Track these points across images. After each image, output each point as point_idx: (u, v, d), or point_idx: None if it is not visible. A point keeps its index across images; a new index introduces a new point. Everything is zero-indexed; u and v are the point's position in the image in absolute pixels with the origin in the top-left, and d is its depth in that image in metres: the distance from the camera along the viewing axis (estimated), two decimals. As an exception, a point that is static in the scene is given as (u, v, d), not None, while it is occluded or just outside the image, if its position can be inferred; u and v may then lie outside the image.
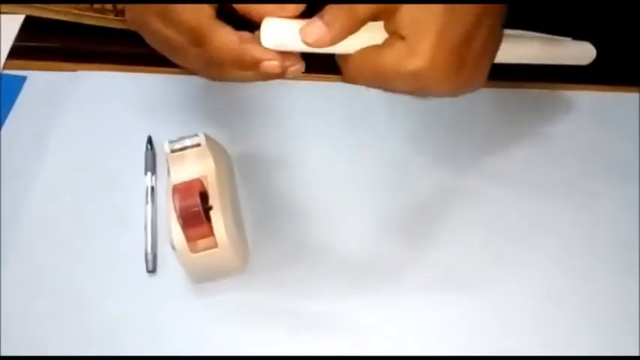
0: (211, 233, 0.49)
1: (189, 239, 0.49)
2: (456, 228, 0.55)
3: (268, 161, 0.58)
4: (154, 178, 0.56)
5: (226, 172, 0.54)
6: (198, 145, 0.51)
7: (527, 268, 0.53)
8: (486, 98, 0.60)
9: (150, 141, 0.58)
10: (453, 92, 0.40)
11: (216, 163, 0.52)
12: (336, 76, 0.59)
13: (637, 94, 0.61)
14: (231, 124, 0.59)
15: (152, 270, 0.53)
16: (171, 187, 0.49)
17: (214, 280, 0.53)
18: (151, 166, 0.57)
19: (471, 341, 0.51)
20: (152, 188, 0.56)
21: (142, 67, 0.61)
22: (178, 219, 0.48)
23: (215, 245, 0.49)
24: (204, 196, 0.49)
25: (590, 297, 0.51)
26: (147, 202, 0.55)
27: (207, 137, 0.52)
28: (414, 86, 0.39)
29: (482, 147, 0.59)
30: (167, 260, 0.53)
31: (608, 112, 0.60)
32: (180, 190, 0.48)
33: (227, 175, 0.54)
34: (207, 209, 0.49)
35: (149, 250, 0.54)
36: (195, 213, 0.48)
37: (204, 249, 0.49)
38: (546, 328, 0.51)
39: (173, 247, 0.50)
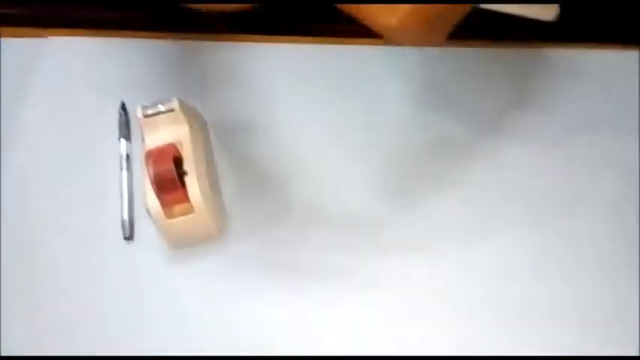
0: (187, 199, 0.49)
1: (165, 205, 0.48)
2: (442, 186, 0.55)
3: (246, 126, 0.57)
4: (128, 144, 0.56)
5: (202, 137, 0.53)
6: (172, 110, 0.50)
7: (520, 227, 0.53)
8: (484, 57, 0.59)
9: (123, 107, 0.57)
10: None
11: (190, 128, 0.51)
12: (311, 38, 0.59)
13: (637, 53, 0.58)
14: (207, 90, 0.58)
15: (129, 237, 0.53)
16: (144, 152, 0.48)
17: (192, 245, 0.53)
18: (125, 132, 0.56)
19: (457, 302, 0.51)
20: (127, 155, 0.55)
21: (114, 32, 0.60)
22: (152, 185, 0.47)
23: (191, 211, 0.49)
24: (178, 162, 0.49)
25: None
26: (121, 169, 0.55)
27: (181, 102, 0.51)
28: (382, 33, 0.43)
29: (477, 105, 0.57)
30: (146, 227, 0.53)
31: (608, 70, 0.58)
32: (154, 156, 0.48)
33: (203, 140, 0.53)
34: (181, 174, 0.48)
35: (125, 217, 0.53)
36: (170, 178, 0.47)
37: (180, 214, 0.49)
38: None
39: (149, 214, 0.49)
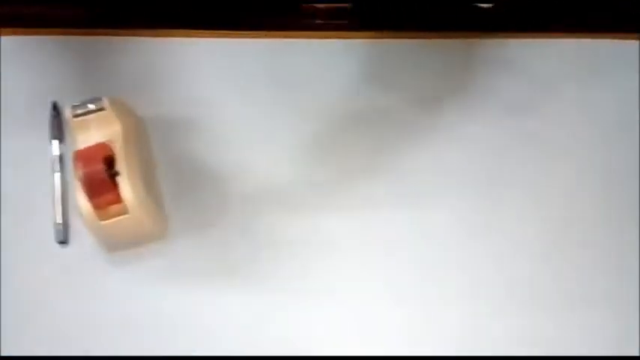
0: (120, 199, 0.47)
1: (96, 207, 0.47)
2: (375, 174, 0.54)
3: (184, 123, 0.56)
4: (62, 145, 0.54)
5: (136, 135, 0.52)
6: (102, 109, 0.49)
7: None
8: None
9: (55, 107, 0.55)
10: None
11: (123, 126, 0.49)
12: (245, 32, 0.58)
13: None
14: (144, 88, 0.57)
15: (63, 241, 0.51)
16: (73, 153, 0.47)
17: (130, 248, 0.51)
18: (56, 133, 0.54)
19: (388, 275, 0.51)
20: (60, 156, 0.53)
21: (44, 30, 0.58)
22: (82, 187, 0.46)
23: (125, 211, 0.48)
24: (110, 161, 0.47)
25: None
26: (54, 171, 0.53)
27: (112, 100, 0.50)
28: None
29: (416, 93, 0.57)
30: (82, 230, 0.51)
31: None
32: (82, 156, 0.46)
33: (137, 138, 0.52)
34: (114, 175, 0.47)
35: (59, 220, 0.51)
36: (100, 179, 0.46)
37: (114, 216, 0.47)
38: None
39: (81, 216, 0.48)
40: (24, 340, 0.49)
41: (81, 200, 0.47)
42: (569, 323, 0.50)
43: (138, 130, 0.53)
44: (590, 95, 0.56)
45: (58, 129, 0.54)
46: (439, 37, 0.58)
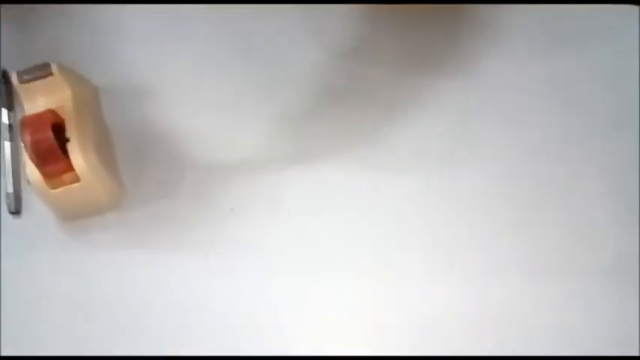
0: (71, 167, 0.46)
1: (47, 176, 0.46)
2: (344, 147, 0.53)
3: (137, 91, 0.54)
4: (11, 114, 0.52)
5: (88, 102, 0.51)
6: (51, 74, 0.48)
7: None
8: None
9: (4, 75, 0.53)
10: None
11: (73, 93, 0.48)
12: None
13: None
14: (96, 55, 0.55)
15: (16, 211, 0.50)
16: (20, 120, 0.46)
17: (85, 217, 0.50)
18: (7, 101, 0.52)
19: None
20: (10, 125, 0.52)
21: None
22: (30, 155, 0.45)
23: (77, 179, 0.47)
24: (60, 128, 0.46)
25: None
26: (3, 140, 0.52)
27: (61, 66, 0.48)
28: None
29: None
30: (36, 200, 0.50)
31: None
32: (30, 123, 0.45)
33: (89, 105, 0.50)
34: (63, 142, 0.46)
35: (10, 190, 0.50)
36: (49, 147, 0.45)
37: (65, 184, 0.47)
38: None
39: (30, 186, 0.47)
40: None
41: (30, 169, 0.46)
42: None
43: (90, 97, 0.52)
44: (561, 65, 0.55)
45: (8, 97, 0.53)
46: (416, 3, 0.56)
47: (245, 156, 0.53)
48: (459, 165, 0.52)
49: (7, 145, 0.51)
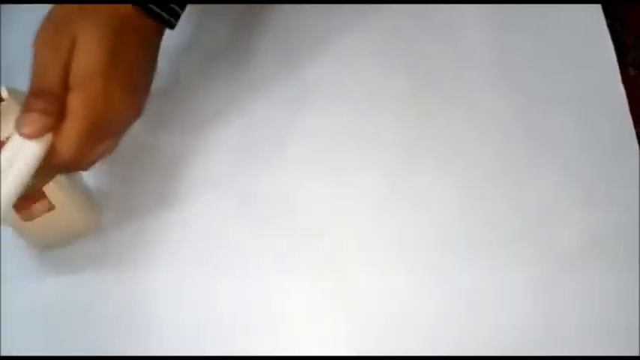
0: (43, 195, 0.43)
1: (18, 209, 0.43)
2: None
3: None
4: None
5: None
6: (2, 100, 0.44)
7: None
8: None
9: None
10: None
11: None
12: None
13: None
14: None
15: None
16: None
17: (67, 243, 0.48)
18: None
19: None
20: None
21: None
22: (-3, 191, 0.42)
23: (52, 207, 0.44)
24: (23, 157, 0.43)
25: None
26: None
27: (11, 90, 0.45)
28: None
29: None
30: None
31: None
32: (-10, 156, 0.41)
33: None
34: (30, 170, 0.43)
35: None
36: (16, 179, 0.41)
37: (39, 214, 0.44)
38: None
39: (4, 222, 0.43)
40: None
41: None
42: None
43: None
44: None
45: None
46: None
47: (220, 155, 0.51)
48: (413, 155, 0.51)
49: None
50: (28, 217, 0.44)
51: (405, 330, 0.46)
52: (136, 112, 0.44)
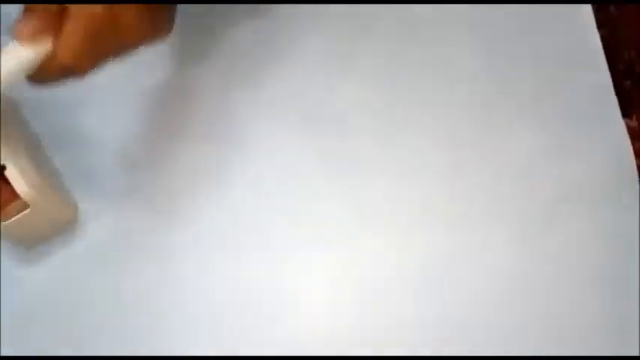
0: (16, 196, 0.43)
1: (-6, 211, 0.43)
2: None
3: (60, 97, 0.50)
4: None
5: (10, 120, 0.46)
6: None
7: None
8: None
9: None
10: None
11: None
12: None
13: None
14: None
15: None
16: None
17: (48, 239, 0.48)
18: None
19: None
20: None
21: None
22: (-32, 194, 0.41)
23: (26, 206, 0.43)
24: (-10, 158, 0.43)
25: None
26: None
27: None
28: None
29: None
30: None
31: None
32: (-44, 162, 0.41)
33: (13, 124, 0.46)
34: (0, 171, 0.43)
35: None
36: (-16, 182, 0.41)
37: (15, 214, 0.43)
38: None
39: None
40: None
41: (-28, 207, 0.42)
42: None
43: (10, 114, 0.48)
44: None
45: None
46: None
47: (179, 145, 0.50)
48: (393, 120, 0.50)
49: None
50: (4, 218, 0.43)
51: (389, 294, 0.47)
52: (152, 29, 0.40)
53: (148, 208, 0.49)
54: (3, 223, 0.43)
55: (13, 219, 0.43)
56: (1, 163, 0.43)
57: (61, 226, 0.48)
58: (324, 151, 0.50)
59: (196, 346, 0.47)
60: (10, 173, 0.42)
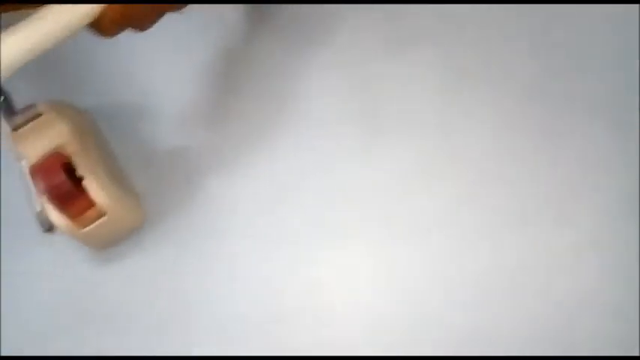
0: (93, 203, 0.45)
1: (72, 218, 0.44)
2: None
3: (129, 110, 0.52)
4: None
5: (87, 132, 0.48)
6: (40, 114, 0.45)
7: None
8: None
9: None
10: None
11: (70, 126, 0.46)
12: None
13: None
14: (80, 83, 0.53)
15: (49, 229, 0.46)
16: (29, 169, 0.43)
17: (118, 243, 0.49)
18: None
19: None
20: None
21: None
22: (50, 202, 0.43)
23: (103, 213, 0.45)
24: (70, 167, 0.44)
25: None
26: (19, 160, 0.46)
27: (48, 103, 0.46)
28: None
29: None
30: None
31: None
32: (40, 171, 0.43)
33: (89, 135, 0.48)
34: (78, 180, 0.44)
35: (38, 208, 0.46)
36: (66, 191, 0.43)
37: (93, 221, 0.45)
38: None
39: (59, 230, 0.45)
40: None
41: (54, 214, 0.44)
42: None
43: (87, 124, 0.49)
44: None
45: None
46: None
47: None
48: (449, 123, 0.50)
49: (24, 163, 0.46)
50: (82, 224, 0.45)
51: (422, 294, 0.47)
52: None
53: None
54: (83, 230, 0.45)
55: (91, 226, 0.45)
56: (80, 173, 0.44)
57: (131, 231, 0.49)
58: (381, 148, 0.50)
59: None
60: (89, 183, 0.44)
